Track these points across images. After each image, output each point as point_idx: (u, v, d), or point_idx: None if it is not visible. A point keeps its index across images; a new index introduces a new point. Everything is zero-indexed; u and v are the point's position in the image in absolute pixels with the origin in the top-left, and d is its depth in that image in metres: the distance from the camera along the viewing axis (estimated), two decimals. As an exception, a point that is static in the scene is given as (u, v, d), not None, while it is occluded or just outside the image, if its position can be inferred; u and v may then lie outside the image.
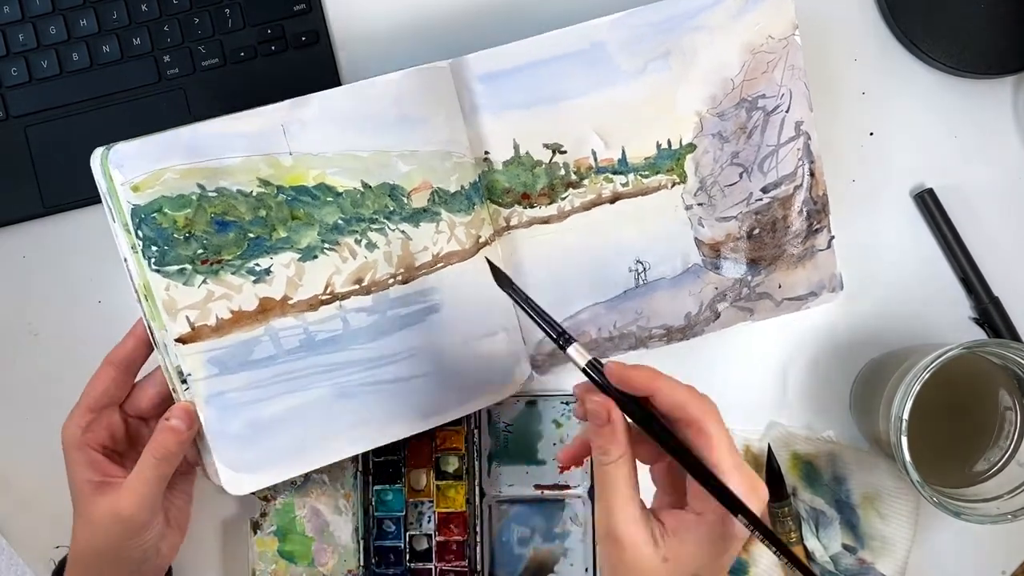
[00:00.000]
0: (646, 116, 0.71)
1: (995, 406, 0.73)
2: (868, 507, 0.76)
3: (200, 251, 0.63)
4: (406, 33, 0.79)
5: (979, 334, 0.78)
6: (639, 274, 0.73)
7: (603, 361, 0.57)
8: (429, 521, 0.76)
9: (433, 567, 0.75)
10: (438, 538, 0.76)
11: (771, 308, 0.74)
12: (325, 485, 0.76)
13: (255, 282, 0.65)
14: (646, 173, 0.72)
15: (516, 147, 0.71)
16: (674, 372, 0.76)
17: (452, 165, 0.69)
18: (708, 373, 0.78)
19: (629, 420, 0.56)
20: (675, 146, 0.72)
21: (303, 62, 0.78)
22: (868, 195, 0.79)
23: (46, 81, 0.77)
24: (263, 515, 0.76)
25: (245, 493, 0.66)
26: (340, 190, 0.66)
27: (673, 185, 0.72)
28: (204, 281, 0.63)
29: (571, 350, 0.57)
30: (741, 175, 0.72)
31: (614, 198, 0.72)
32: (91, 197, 0.76)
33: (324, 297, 0.66)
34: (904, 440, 0.66)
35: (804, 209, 0.73)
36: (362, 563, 0.75)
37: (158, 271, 0.62)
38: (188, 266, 0.63)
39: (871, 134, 0.79)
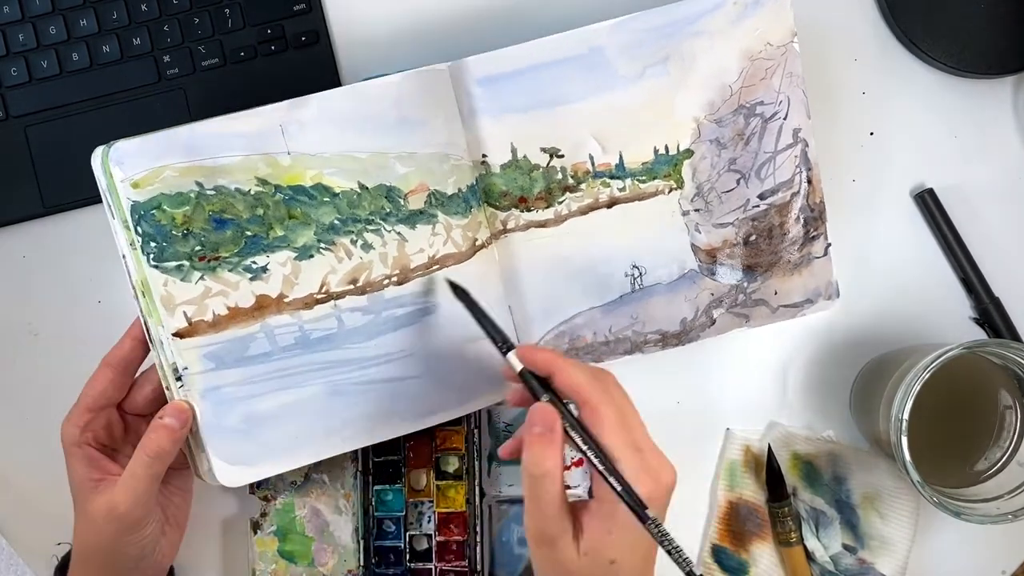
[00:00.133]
0: (644, 121, 0.71)
1: (995, 406, 0.73)
2: (868, 507, 0.76)
3: (198, 248, 0.63)
4: (406, 35, 0.79)
5: (979, 334, 0.78)
6: (635, 279, 0.73)
7: (521, 344, 0.61)
8: (429, 521, 0.76)
9: (433, 567, 0.75)
10: (438, 538, 0.76)
11: (767, 315, 0.74)
12: (325, 485, 0.76)
13: (252, 279, 0.65)
14: (643, 178, 0.72)
15: (514, 150, 0.71)
16: (675, 372, 0.77)
17: (450, 168, 0.69)
18: (708, 373, 0.78)
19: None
20: (672, 152, 0.72)
21: (303, 62, 0.78)
22: (868, 195, 0.79)
23: (46, 81, 0.77)
24: (263, 515, 0.76)
25: (239, 485, 0.66)
26: (337, 190, 0.66)
27: (670, 191, 0.72)
28: (201, 278, 0.64)
29: (510, 356, 0.61)
30: (738, 181, 0.72)
31: (611, 203, 0.72)
32: (91, 197, 0.76)
33: (319, 296, 0.66)
34: (904, 440, 0.66)
35: (801, 216, 0.73)
36: (362, 563, 0.75)
37: (156, 267, 0.63)
38: (186, 262, 0.63)
39: (871, 134, 0.79)
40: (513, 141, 0.70)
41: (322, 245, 0.66)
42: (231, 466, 0.66)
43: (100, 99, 0.77)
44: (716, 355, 0.78)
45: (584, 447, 0.58)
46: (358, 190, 0.67)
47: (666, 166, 0.72)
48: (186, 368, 0.64)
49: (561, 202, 0.72)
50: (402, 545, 0.76)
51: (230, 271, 0.64)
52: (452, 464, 0.76)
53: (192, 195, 0.63)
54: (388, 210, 0.68)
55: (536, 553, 0.59)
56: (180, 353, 0.63)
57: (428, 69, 0.68)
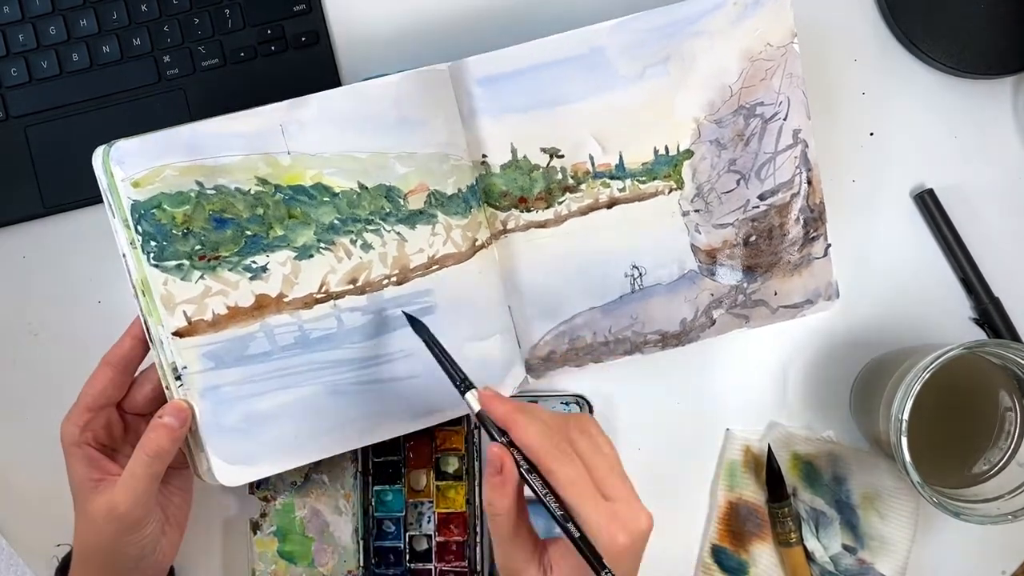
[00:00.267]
0: (644, 121, 0.71)
1: (995, 406, 0.73)
2: (868, 507, 0.76)
3: (198, 247, 0.64)
4: (406, 35, 0.79)
5: (979, 334, 0.78)
6: (635, 279, 0.73)
7: (486, 388, 0.61)
8: (429, 521, 0.76)
9: (433, 567, 0.76)
10: (438, 538, 0.76)
11: (767, 315, 0.74)
12: (325, 485, 0.76)
13: (251, 279, 0.65)
14: (643, 179, 0.72)
15: (514, 151, 0.71)
16: (675, 372, 0.77)
17: (449, 168, 0.69)
18: (708, 373, 0.78)
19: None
20: (672, 152, 0.72)
21: (303, 62, 0.78)
22: (868, 195, 0.79)
23: (46, 81, 0.77)
24: (263, 515, 0.76)
25: (238, 485, 0.66)
26: (337, 190, 0.66)
27: (670, 191, 0.72)
28: (201, 277, 0.64)
29: (468, 396, 0.61)
30: (738, 182, 0.72)
31: (611, 203, 0.72)
32: (91, 197, 0.76)
33: (319, 296, 0.67)
34: (904, 440, 0.66)
35: (801, 217, 0.73)
36: (362, 563, 0.75)
37: (156, 266, 0.63)
38: (186, 262, 0.63)
39: (871, 134, 0.79)
40: (513, 141, 0.70)
41: (322, 245, 0.66)
42: (230, 465, 0.66)
43: (100, 99, 0.78)
44: (716, 355, 0.78)
45: (540, 493, 0.58)
46: (358, 190, 0.67)
47: (666, 166, 0.72)
48: (186, 367, 0.64)
49: (561, 202, 0.72)
50: (402, 545, 0.76)
51: (230, 270, 0.64)
52: (452, 464, 0.76)
53: (192, 194, 0.63)
54: (388, 210, 0.68)
55: None
56: (180, 352, 0.64)
57: (428, 69, 0.68)
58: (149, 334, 0.64)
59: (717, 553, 0.77)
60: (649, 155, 0.72)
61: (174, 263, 0.63)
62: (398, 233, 0.68)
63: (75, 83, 0.77)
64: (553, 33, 0.69)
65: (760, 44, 0.70)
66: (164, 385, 0.65)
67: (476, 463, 0.75)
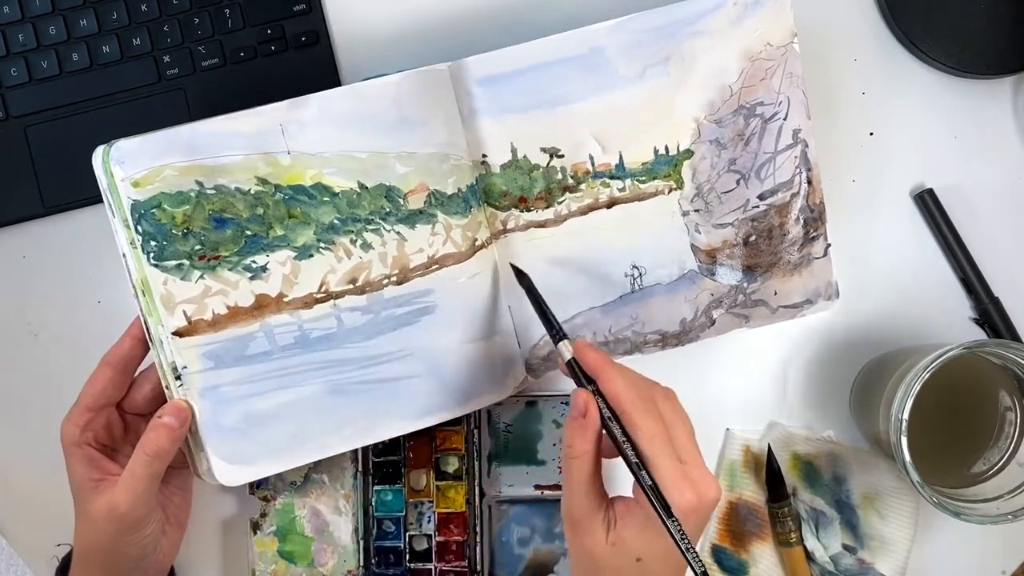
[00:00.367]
0: (644, 121, 0.71)
1: (995, 406, 0.73)
2: (868, 507, 0.76)
3: (198, 247, 0.64)
4: (406, 35, 0.79)
5: (979, 334, 0.78)
6: (635, 279, 0.73)
7: (579, 338, 0.64)
8: (429, 521, 0.76)
9: (433, 567, 0.76)
10: (438, 538, 0.76)
11: (767, 315, 0.74)
12: (325, 485, 0.76)
13: (251, 279, 0.65)
14: (643, 178, 0.72)
15: (514, 150, 0.71)
16: (675, 371, 0.77)
17: (449, 167, 0.69)
18: (708, 373, 0.78)
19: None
20: (672, 152, 0.72)
21: (303, 62, 0.78)
22: (868, 195, 0.79)
23: (46, 81, 0.77)
24: (263, 515, 0.76)
25: (238, 485, 0.66)
26: (337, 190, 0.66)
27: (670, 191, 0.72)
28: (201, 276, 0.64)
29: (561, 345, 0.64)
30: (738, 182, 0.72)
31: (611, 203, 0.72)
32: (91, 197, 0.76)
33: (319, 295, 0.66)
34: (904, 440, 0.66)
35: (801, 217, 0.73)
36: (362, 563, 0.75)
37: (156, 266, 0.63)
38: (186, 261, 0.63)
39: (871, 134, 0.79)
40: (513, 141, 0.70)
41: (322, 245, 0.66)
42: (230, 465, 0.66)
43: (100, 99, 0.78)
44: (716, 355, 0.78)
45: (619, 440, 0.59)
46: (358, 190, 0.67)
47: (666, 166, 0.72)
48: (185, 367, 0.64)
49: (561, 202, 0.72)
50: (402, 545, 0.76)
51: (230, 270, 0.64)
52: (452, 464, 0.76)
53: (192, 194, 0.63)
54: (388, 210, 0.68)
55: (568, 535, 0.62)
56: (179, 352, 0.64)
57: (428, 69, 0.68)
58: (149, 334, 0.64)
59: (717, 553, 0.77)
60: (649, 155, 0.72)
61: (174, 263, 0.63)
62: (398, 233, 0.68)
63: (75, 83, 0.77)
64: (553, 33, 0.69)
65: (760, 44, 0.70)
66: (164, 385, 0.65)
67: (476, 463, 0.75)
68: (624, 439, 0.59)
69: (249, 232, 0.65)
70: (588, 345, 0.63)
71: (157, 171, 0.62)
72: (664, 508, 0.57)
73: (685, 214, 0.73)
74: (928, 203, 0.78)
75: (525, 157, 0.71)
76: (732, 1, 0.69)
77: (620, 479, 0.63)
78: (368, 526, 0.75)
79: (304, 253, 0.66)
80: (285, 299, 0.66)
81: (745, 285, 0.73)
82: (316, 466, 0.75)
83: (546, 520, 0.77)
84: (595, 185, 0.72)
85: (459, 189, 0.69)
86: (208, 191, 0.64)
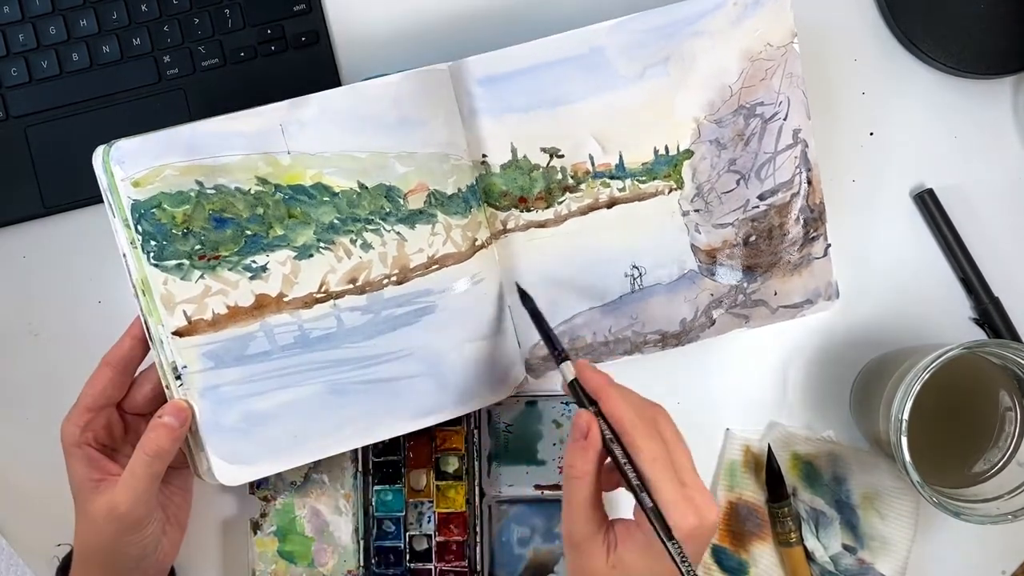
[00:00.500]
0: (644, 121, 0.71)
1: (995, 406, 0.73)
2: (868, 507, 0.76)
3: (198, 247, 0.64)
4: (406, 35, 0.79)
5: (979, 334, 0.78)
6: (635, 279, 0.73)
7: (580, 359, 0.64)
8: (429, 521, 0.76)
9: (433, 567, 0.75)
10: (438, 538, 0.76)
11: (767, 315, 0.74)
12: (325, 485, 0.76)
13: (251, 279, 0.65)
14: (643, 179, 0.72)
15: (514, 150, 0.71)
16: (675, 371, 0.77)
17: (449, 167, 0.69)
18: (708, 373, 0.78)
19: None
20: (672, 152, 0.72)
21: (303, 62, 0.78)
22: (868, 195, 0.79)
23: (46, 81, 0.77)
24: (263, 515, 0.76)
25: (238, 484, 0.66)
26: (337, 190, 0.66)
27: (670, 191, 0.72)
28: (201, 276, 0.64)
29: (563, 366, 0.64)
30: (738, 182, 0.72)
31: (611, 203, 0.72)
32: (91, 197, 0.76)
33: (319, 295, 0.67)
34: (904, 440, 0.66)
35: (801, 217, 0.73)
36: (362, 563, 0.75)
37: (156, 266, 0.63)
38: (186, 261, 0.63)
39: (871, 134, 0.79)
40: (513, 141, 0.70)
41: (322, 244, 0.66)
42: (230, 465, 0.66)
43: (100, 99, 0.77)
44: (716, 355, 0.78)
45: (621, 461, 0.59)
46: (358, 190, 0.67)
47: (666, 166, 0.72)
48: (185, 367, 0.64)
49: (561, 202, 0.72)
50: (402, 545, 0.76)
51: (230, 270, 0.64)
52: (452, 464, 0.76)
53: (192, 194, 0.63)
54: (388, 210, 0.68)
55: (567, 556, 0.62)
56: (180, 352, 0.64)
57: (428, 69, 0.68)
58: (149, 334, 0.64)
59: (717, 553, 0.77)
60: (649, 155, 0.72)
61: (174, 263, 0.63)
62: (398, 233, 0.68)
63: (75, 83, 0.77)
64: (553, 33, 0.69)
65: (760, 44, 0.70)
66: (164, 385, 0.65)
67: (476, 463, 0.75)
68: (625, 460, 0.59)
69: (249, 232, 0.65)
70: (590, 366, 0.63)
71: (157, 171, 0.62)
72: (665, 530, 0.57)
73: (685, 214, 0.73)
74: (928, 203, 0.78)
75: (525, 157, 0.71)
76: (732, 1, 0.69)
77: (621, 501, 0.64)
78: (368, 526, 0.75)
79: (304, 253, 0.66)
80: (285, 299, 0.66)
81: (745, 285, 0.73)
82: (316, 466, 0.75)
83: (546, 520, 0.77)
84: (595, 185, 0.72)
85: (459, 189, 0.69)
86: (208, 191, 0.64)
